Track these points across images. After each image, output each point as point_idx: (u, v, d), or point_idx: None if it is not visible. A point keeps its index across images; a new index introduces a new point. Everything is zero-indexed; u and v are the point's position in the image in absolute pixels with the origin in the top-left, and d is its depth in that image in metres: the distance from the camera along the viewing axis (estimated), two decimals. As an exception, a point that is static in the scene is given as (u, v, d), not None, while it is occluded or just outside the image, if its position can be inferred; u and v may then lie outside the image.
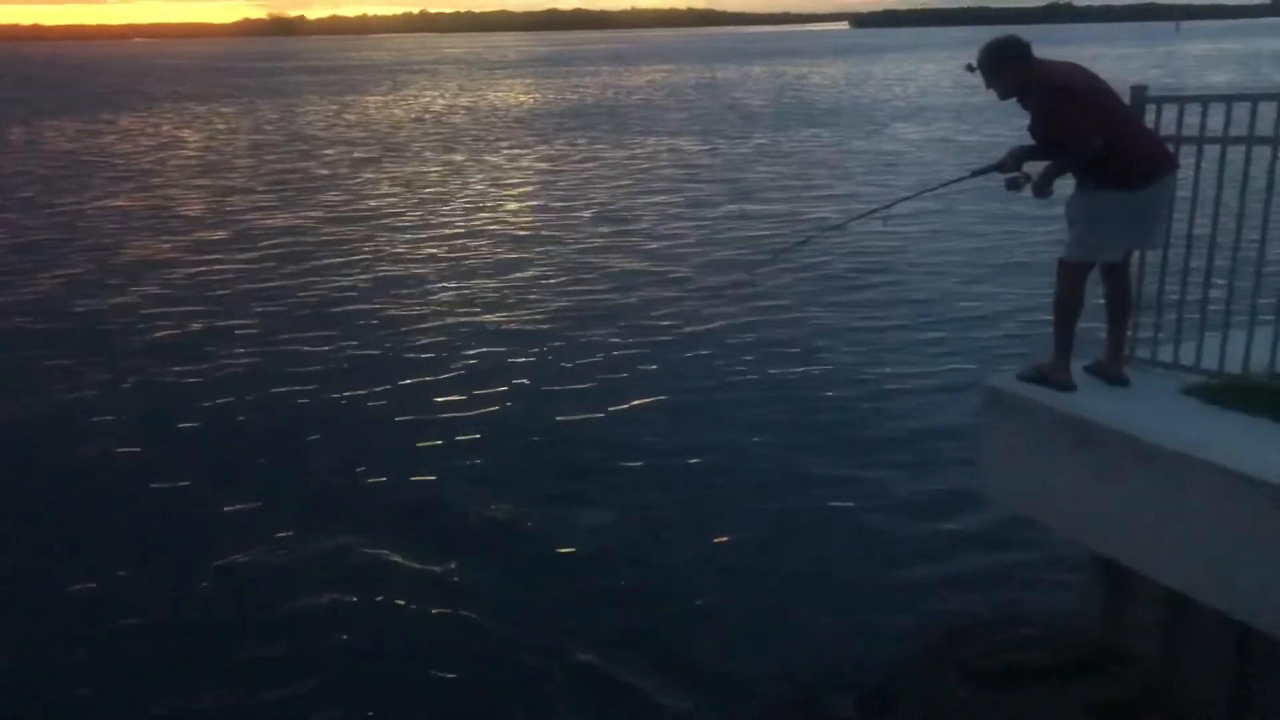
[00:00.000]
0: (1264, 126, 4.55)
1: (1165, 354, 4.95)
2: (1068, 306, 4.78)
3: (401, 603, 6.34)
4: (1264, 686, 4.14)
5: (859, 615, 6.01)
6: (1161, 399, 4.62)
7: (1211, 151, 4.75)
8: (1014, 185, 4.83)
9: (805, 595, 6.28)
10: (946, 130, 31.42)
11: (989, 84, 4.79)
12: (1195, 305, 4.90)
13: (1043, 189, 4.76)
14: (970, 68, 4.79)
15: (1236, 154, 4.68)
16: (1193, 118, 4.81)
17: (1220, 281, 4.83)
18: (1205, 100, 4.84)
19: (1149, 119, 4.93)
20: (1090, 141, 4.48)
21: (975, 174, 5.26)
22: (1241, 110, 4.66)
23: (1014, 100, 4.83)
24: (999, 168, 4.86)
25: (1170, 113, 4.92)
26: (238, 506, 7.58)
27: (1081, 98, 4.59)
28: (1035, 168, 4.83)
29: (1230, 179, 4.70)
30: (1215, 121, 4.75)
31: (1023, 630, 4.91)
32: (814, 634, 5.86)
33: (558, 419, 9.04)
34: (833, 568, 6.60)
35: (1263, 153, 4.56)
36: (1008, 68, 4.71)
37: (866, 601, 6.17)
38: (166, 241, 17.35)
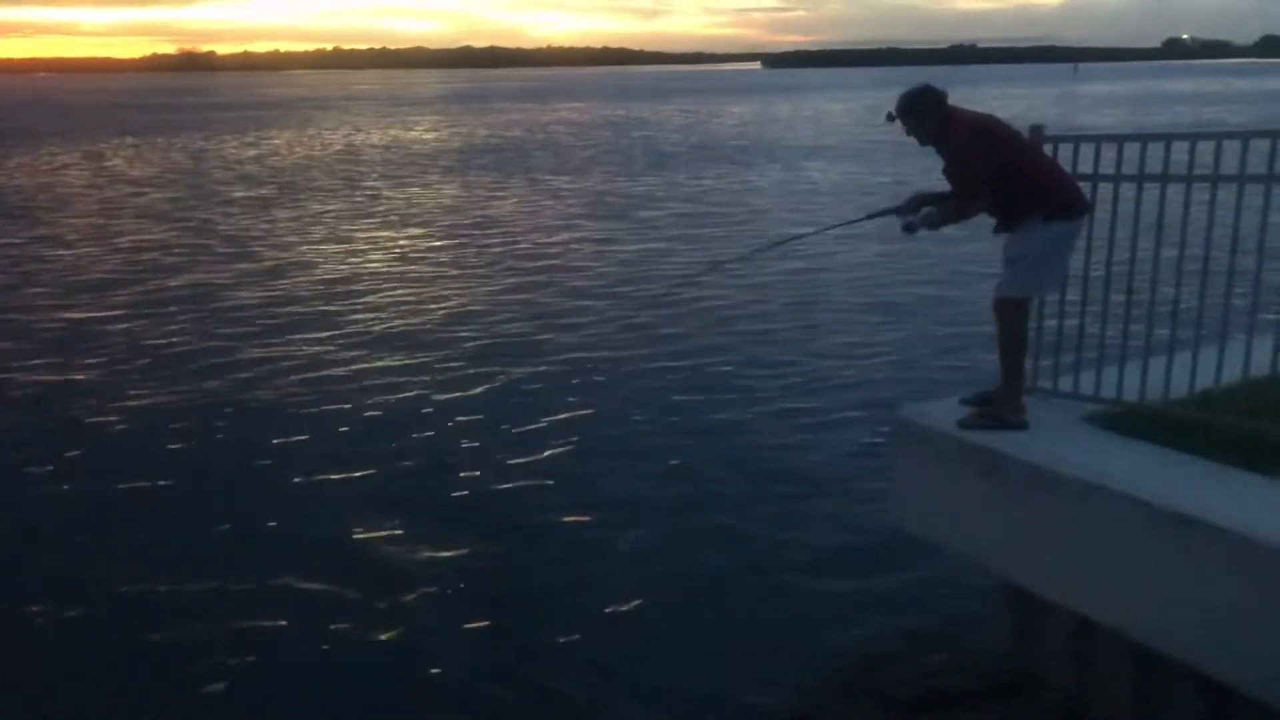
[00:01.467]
0: (1154, 165, 4.76)
1: (1066, 384, 5.11)
2: (1018, 344, 4.88)
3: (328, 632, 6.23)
4: (1168, 705, 4.25)
5: (774, 650, 6.02)
6: (1063, 428, 4.76)
7: (1105, 188, 4.94)
8: (909, 229, 4.97)
9: (717, 632, 6.28)
10: (849, 168, 31.90)
11: (908, 131, 4.96)
12: (1094, 338, 5.08)
13: (932, 223, 4.91)
14: (890, 117, 4.96)
15: (1129, 191, 4.89)
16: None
17: (1118, 313, 5.00)
18: (1099, 140, 5.03)
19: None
20: (978, 193, 4.72)
21: (872, 216, 5.39)
22: (1133, 149, 4.87)
23: (916, 141, 5.00)
24: (897, 211, 5.01)
25: (1067, 151, 5.11)
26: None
27: (987, 148, 4.77)
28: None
29: (1124, 215, 4.90)
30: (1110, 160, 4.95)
31: (936, 657, 4.99)
32: (728, 670, 5.87)
33: (448, 464, 8.78)
34: (745, 603, 6.61)
35: (1154, 189, 4.76)
36: (923, 115, 4.89)
37: (781, 635, 6.19)
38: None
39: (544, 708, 5.59)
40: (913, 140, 5.00)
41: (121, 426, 9.82)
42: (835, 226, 6.57)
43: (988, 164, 4.72)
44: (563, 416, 9.88)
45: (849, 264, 16.74)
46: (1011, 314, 4.83)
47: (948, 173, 4.92)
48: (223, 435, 9.59)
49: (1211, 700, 4.03)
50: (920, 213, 4.95)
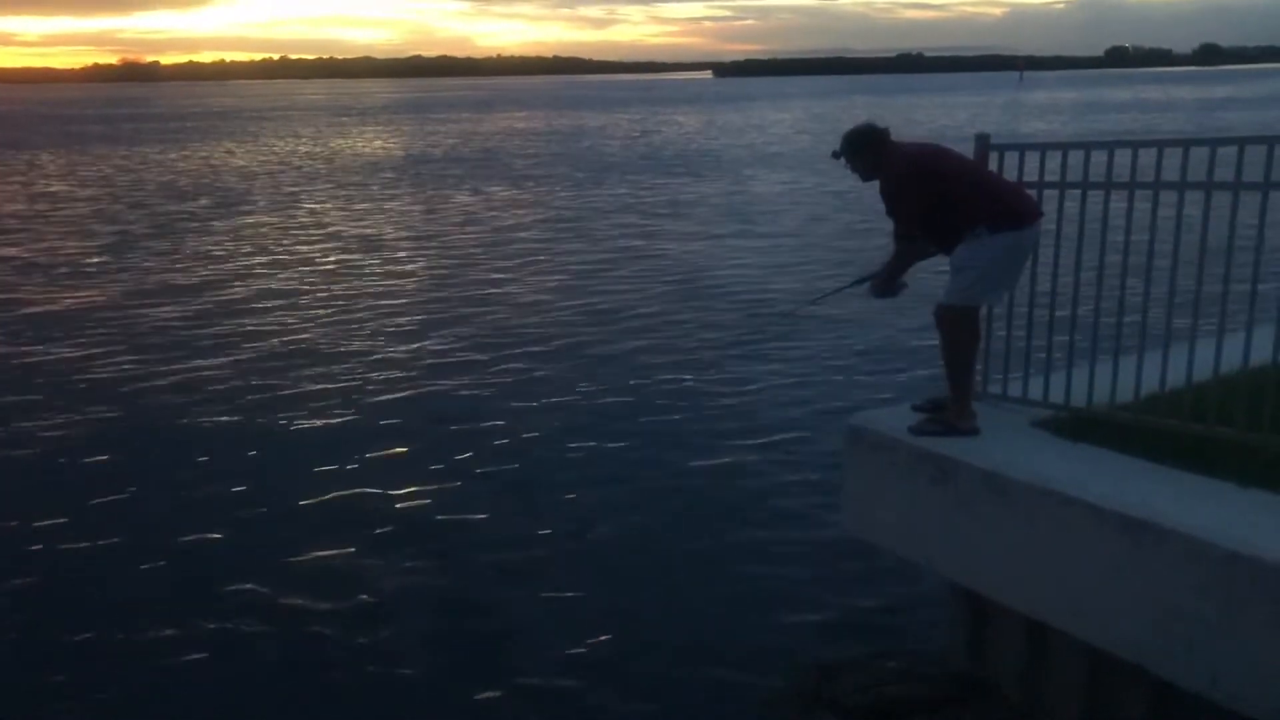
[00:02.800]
0: (1098, 173, 4.82)
1: (1015, 389, 5.15)
2: (967, 352, 4.91)
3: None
4: (1120, 706, 4.30)
5: (729, 662, 6.03)
6: (1013, 433, 4.80)
7: (1050, 196, 5.00)
8: (877, 292, 5.18)
9: (672, 645, 6.27)
10: (795, 176, 32.10)
11: (852, 168, 5.05)
12: (1042, 344, 5.13)
13: (883, 284, 5.11)
14: (835, 155, 5.08)
15: (1074, 198, 4.95)
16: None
17: (1062, 321, 5.06)
18: (1044, 148, 5.09)
19: (992, 165, 5.17)
20: (910, 234, 4.88)
21: (857, 282, 5.45)
22: (1077, 157, 4.93)
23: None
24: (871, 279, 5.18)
25: (1012, 159, 5.17)
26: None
27: (916, 183, 4.85)
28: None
29: (1070, 221, 4.95)
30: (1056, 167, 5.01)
31: (891, 664, 5.00)
32: (685, 683, 5.87)
33: (377, 491, 8.57)
34: (697, 618, 6.61)
35: (1098, 196, 4.82)
36: (862, 153, 5.00)
37: (735, 648, 6.19)
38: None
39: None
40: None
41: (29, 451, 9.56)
42: (832, 294, 6.58)
43: (911, 204, 4.85)
44: (503, 438, 9.80)
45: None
46: (955, 323, 4.86)
47: (888, 210, 5.01)
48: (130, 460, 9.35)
49: (1160, 701, 4.07)
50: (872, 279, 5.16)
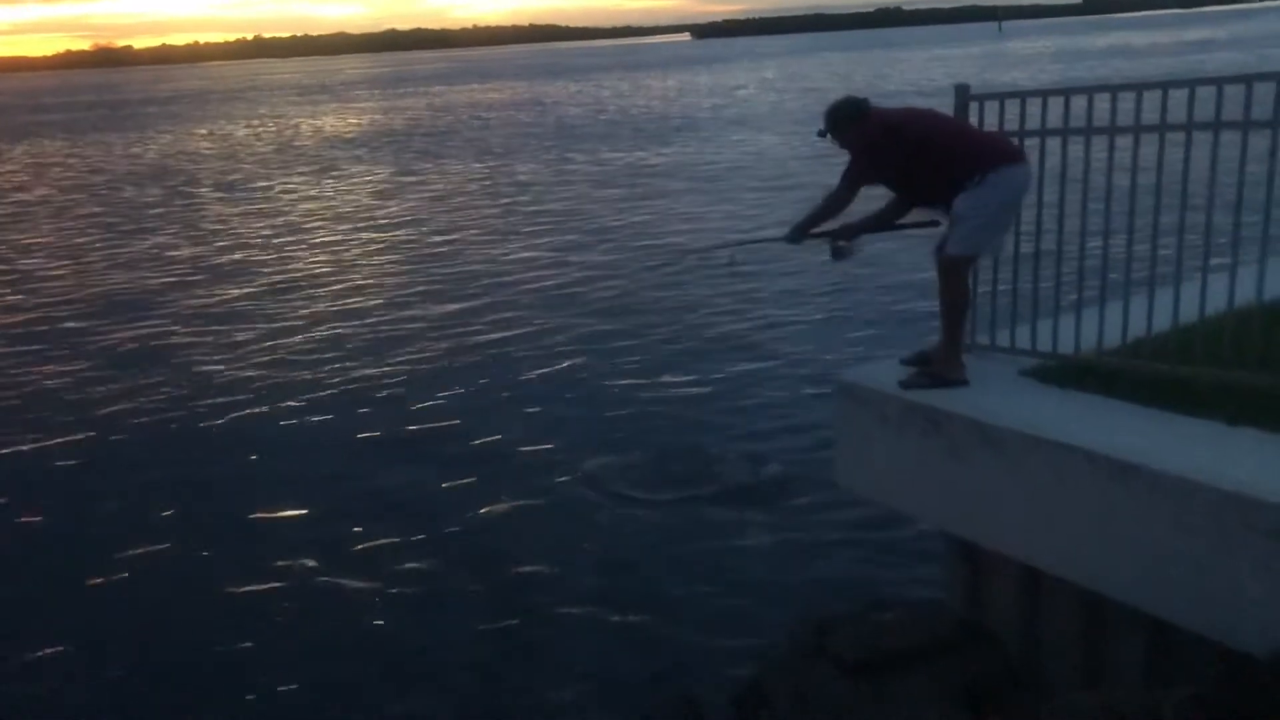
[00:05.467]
0: (1079, 119, 4.80)
1: (1003, 339, 5.16)
2: (962, 303, 4.90)
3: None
4: (1116, 650, 4.33)
5: (726, 619, 6.09)
6: (1002, 382, 4.81)
7: (1032, 144, 4.98)
8: (838, 255, 5.05)
9: (672, 604, 6.33)
10: (774, 140, 31.91)
11: (840, 145, 4.99)
12: (1029, 292, 5.13)
13: (838, 242, 4.99)
14: (820, 134, 5.00)
15: (1056, 145, 4.93)
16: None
17: (1048, 269, 5.05)
18: (1023, 96, 5.07)
19: (972, 116, 5.15)
20: (843, 189, 4.76)
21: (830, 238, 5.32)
22: (1057, 104, 4.91)
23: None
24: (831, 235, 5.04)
25: (992, 108, 5.14)
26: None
27: (891, 146, 4.82)
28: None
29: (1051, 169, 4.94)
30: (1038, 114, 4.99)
31: (888, 616, 5.03)
32: (684, 641, 5.93)
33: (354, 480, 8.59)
34: (695, 576, 6.66)
35: (1079, 142, 4.80)
36: (844, 125, 4.94)
37: (733, 605, 6.26)
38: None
39: (502, 691, 5.59)
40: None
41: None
42: (754, 242, 6.47)
43: (881, 164, 4.80)
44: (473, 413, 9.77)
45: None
46: (957, 272, 4.85)
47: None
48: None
49: (1156, 642, 4.11)
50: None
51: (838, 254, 5.02)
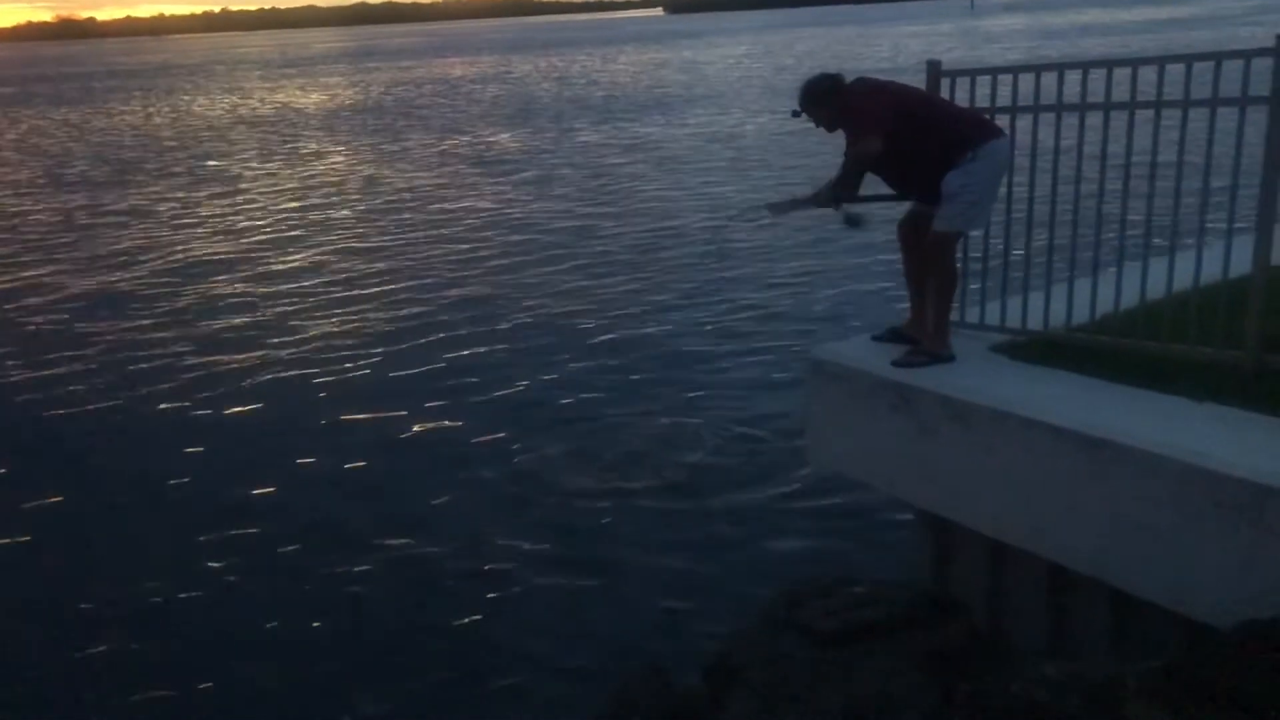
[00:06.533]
0: (1049, 95, 4.82)
1: (973, 315, 5.20)
2: (951, 279, 4.90)
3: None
4: (1083, 621, 4.40)
5: (696, 593, 6.13)
6: (972, 358, 4.85)
7: (1003, 121, 5.00)
8: (851, 221, 4.93)
9: (640, 580, 6.36)
10: (733, 118, 31.73)
11: (817, 122, 4.96)
12: (998, 268, 5.17)
13: (834, 195, 4.88)
14: (795, 113, 4.95)
15: (1026, 121, 4.96)
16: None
17: (1019, 249, 5.09)
18: (995, 72, 5.09)
19: (944, 92, 5.16)
20: (871, 137, 4.61)
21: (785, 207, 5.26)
22: (1028, 81, 4.93)
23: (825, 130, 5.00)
24: (815, 201, 4.96)
25: (964, 86, 5.16)
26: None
27: (886, 98, 4.79)
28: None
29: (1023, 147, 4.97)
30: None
31: (858, 589, 5.06)
32: (654, 616, 5.97)
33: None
34: (663, 551, 6.70)
35: (1049, 119, 4.83)
36: (821, 102, 4.89)
37: (702, 578, 6.30)
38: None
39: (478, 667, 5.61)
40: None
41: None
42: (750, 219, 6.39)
43: (884, 113, 4.69)
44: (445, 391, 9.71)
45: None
46: (947, 249, 4.86)
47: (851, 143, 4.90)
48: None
49: (1120, 613, 4.17)
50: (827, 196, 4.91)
51: (851, 221, 4.96)
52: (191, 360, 11.16)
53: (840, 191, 4.88)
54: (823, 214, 5.12)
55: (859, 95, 4.82)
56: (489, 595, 6.31)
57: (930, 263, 4.90)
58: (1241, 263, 4.35)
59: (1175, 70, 4.44)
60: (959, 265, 5.03)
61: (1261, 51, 4.11)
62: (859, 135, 4.70)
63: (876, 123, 4.65)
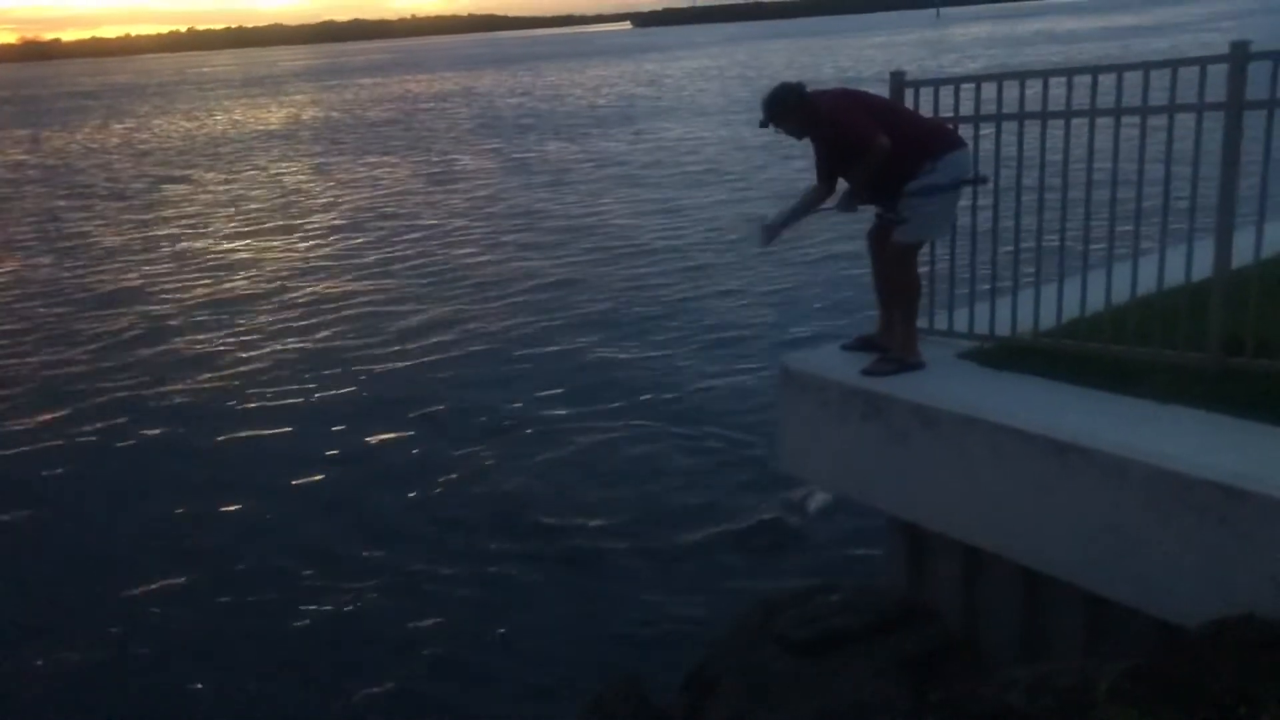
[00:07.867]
0: (1012, 104, 4.87)
1: (941, 322, 5.23)
2: (916, 288, 4.93)
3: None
4: (1055, 624, 4.42)
5: (673, 605, 6.13)
6: (941, 365, 4.88)
7: (966, 131, 5.04)
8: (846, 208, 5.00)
9: (616, 593, 6.36)
10: (696, 128, 31.77)
11: (785, 132, 4.97)
12: (965, 276, 5.20)
13: (848, 204, 4.94)
14: (762, 124, 4.97)
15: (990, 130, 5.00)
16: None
17: (985, 256, 5.13)
18: (958, 82, 5.13)
19: (908, 102, 5.20)
20: (878, 139, 4.62)
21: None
22: (990, 90, 4.98)
23: (794, 139, 5.02)
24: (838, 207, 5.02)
25: (928, 95, 5.20)
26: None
27: (860, 104, 4.83)
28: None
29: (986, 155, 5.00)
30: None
31: (833, 597, 5.08)
32: (632, 628, 5.97)
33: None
34: (638, 563, 6.70)
35: (1011, 127, 4.88)
36: (789, 112, 4.90)
37: (679, 591, 6.30)
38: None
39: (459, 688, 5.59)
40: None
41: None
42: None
43: (868, 115, 4.73)
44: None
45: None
46: (908, 259, 4.89)
47: (828, 158, 4.94)
48: None
49: (1093, 616, 4.20)
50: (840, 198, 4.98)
51: (844, 205, 4.98)
52: (153, 386, 11.09)
53: (860, 200, 4.94)
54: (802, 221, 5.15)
55: (841, 109, 4.82)
56: (461, 611, 6.28)
57: (892, 272, 4.93)
58: (1203, 266, 4.40)
59: (1134, 77, 4.49)
60: (926, 272, 5.06)
61: (1217, 58, 4.18)
62: (862, 143, 4.69)
63: (871, 124, 4.68)
